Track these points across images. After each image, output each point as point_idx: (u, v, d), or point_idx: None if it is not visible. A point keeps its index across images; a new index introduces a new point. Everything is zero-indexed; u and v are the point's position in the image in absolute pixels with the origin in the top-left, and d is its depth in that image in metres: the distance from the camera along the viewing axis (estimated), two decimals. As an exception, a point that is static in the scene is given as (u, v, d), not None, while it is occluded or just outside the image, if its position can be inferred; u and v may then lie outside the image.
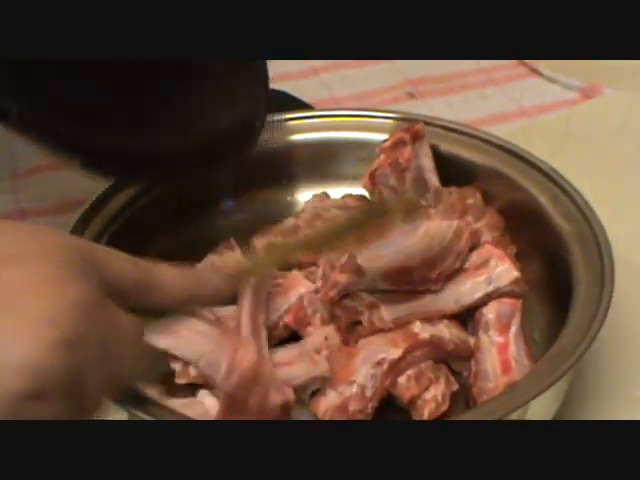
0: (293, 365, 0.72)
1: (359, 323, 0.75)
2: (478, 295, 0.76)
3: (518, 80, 1.15)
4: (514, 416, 0.65)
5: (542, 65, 1.16)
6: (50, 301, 0.47)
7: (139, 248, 0.78)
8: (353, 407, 0.69)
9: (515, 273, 0.76)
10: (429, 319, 0.74)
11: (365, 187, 0.85)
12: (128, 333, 0.53)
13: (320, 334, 0.74)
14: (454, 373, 0.75)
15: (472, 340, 0.75)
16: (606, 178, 0.99)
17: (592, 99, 1.11)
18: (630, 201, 0.97)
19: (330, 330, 0.75)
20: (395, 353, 0.71)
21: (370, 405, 0.70)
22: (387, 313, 0.75)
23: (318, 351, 0.73)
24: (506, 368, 0.73)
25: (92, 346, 0.49)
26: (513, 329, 0.75)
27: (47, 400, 0.45)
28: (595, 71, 1.12)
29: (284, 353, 0.72)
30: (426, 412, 0.71)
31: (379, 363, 0.71)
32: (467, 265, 0.77)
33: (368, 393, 0.70)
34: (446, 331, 0.74)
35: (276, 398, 0.66)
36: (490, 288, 0.76)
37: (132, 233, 0.80)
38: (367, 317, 0.75)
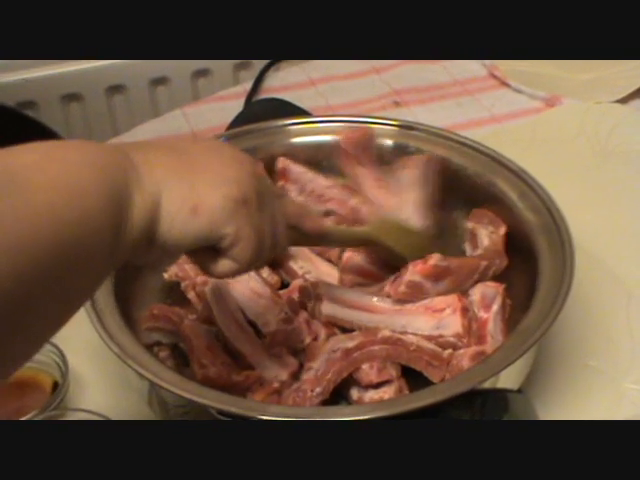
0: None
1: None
2: (423, 332, 0.77)
3: (490, 91, 1.21)
4: (487, 384, 0.70)
5: (510, 78, 1.21)
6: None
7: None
8: (306, 387, 0.74)
9: (459, 329, 0.77)
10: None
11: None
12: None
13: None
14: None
15: (446, 353, 0.76)
16: (566, 176, 1.04)
17: (553, 107, 1.17)
18: (587, 196, 1.03)
19: (317, 324, 0.80)
20: (350, 344, 0.76)
21: (323, 385, 0.74)
22: (326, 308, 0.80)
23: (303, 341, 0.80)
24: (481, 341, 0.77)
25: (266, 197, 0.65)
26: (495, 307, 0.78)
27: (248, 207, 0.62)
28: (556, 83, 1.18)
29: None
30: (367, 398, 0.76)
31: (334, 351, 0.76)
32: (432, 304, 0.79)
33: (319, 373, 0.74)
34: (413, 338, 0.76)
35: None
36: (435, 332, 0.77)
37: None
38: (310, 306, 0.82)
